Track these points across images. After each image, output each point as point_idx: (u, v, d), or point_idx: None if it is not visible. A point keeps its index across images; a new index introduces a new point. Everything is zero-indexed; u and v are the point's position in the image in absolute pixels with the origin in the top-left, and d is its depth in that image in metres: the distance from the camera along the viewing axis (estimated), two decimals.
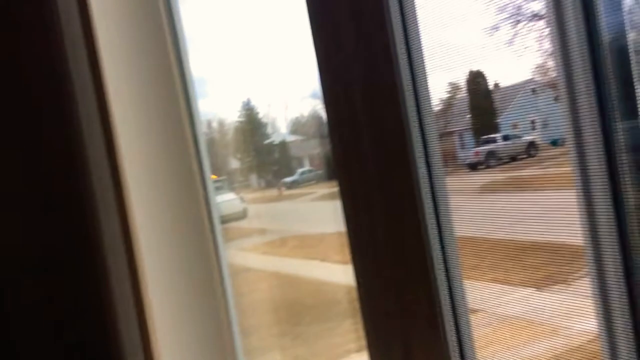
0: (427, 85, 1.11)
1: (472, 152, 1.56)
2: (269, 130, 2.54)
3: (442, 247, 1.02)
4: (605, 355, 0.82)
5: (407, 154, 1.01)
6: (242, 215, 2.74)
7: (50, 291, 0.85)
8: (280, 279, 2.48)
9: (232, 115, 2.57)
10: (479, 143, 1.51)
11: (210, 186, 1.59)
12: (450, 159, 1.86)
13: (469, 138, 1.62)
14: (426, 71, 1.11)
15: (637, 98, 0.74)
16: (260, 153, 2.62)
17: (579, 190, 0.85)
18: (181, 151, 1.08)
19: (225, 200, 2.65)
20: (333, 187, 2.75)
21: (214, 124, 2.59)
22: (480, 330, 1.13)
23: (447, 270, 1.00)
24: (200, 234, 1.12)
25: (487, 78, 1.35)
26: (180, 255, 1.09)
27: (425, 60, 1.13)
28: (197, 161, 1.23)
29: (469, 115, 1.58)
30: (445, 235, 1.05)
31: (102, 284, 0.88)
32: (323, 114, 2.44)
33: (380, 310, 0.99)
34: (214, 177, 2.77)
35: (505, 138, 1.35)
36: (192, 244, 1.08)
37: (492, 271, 1.20)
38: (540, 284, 1.00)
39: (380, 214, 1.04)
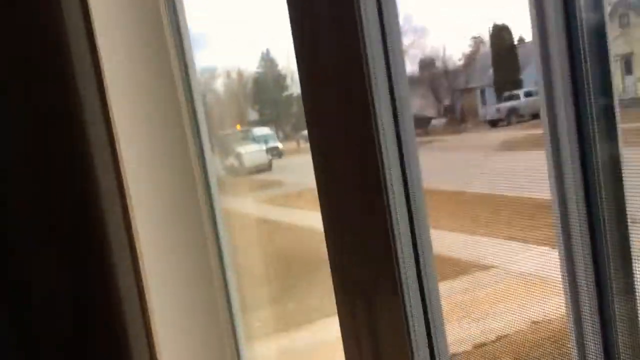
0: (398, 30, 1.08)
1: (493, 108, 1.54)
2: (288, 82, 2.52)
3: (408, 201, 1.02)
4: (568, 302, 0.86)
5: (368, 104, 0.98)
6: (268, 167, 2.69)
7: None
8: (294, 231, 2.51)
9: (251, 66, 2.55)
10: (501, 100, 1.49)
11: (205, 142, 1.57)
12: (471, 115, 1.85)
13: (490, 94, 1.60)
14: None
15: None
16: (278, 105, 2.61)
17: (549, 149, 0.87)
18: (174, 108, 1.07)
19: (250, 152, 2.63)
20: None
21: (233, 75, 2.58)
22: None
23: (411, 221, 1.01)
24: (192, 188, 1.13)
25: (511, 32, 1.32)
26: (171, 210, 1.11)
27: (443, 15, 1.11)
28: (190, 115, 1.23)
29: (491, 71, 1.55)
30: (412, 188, 1.04)
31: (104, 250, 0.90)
32: None
33: (346, 261, 1.00)
34: (238, 127, 2.75)
35: (528, 95, 1.33)
36: (183, 197, 1.10)
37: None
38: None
39: (345, 165, 1.04)
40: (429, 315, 1.00)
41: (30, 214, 0.87)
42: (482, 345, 1.24)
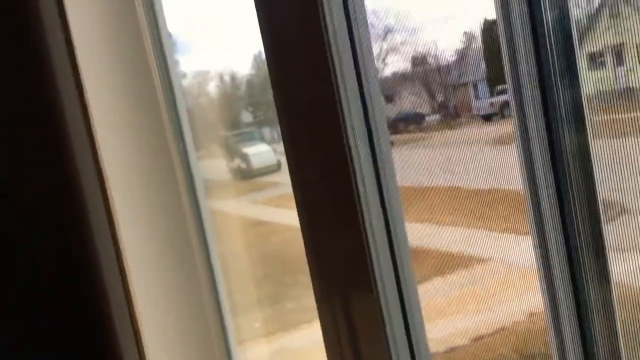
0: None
1: (486, 102, 1.54)
2: None
3: (382, 197, 1.02)
4: (541, 285, 0.87)
5: (335, 101, 0.98)
6: (276, 168, 2.53)
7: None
8: (289, 231, 2.51)
9: (244, 69, 2.56)
10: (493, 94, 1.48)
11: (189, 143, 1.55)
12: (465, 110, 1.85)
13: (483, 89, 1.60)
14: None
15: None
16: (271, 107, 2.62)
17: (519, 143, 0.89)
18: (155, 111, 1.07)
19: (257, 152, 2.54)
20: None
21: (226, 77, 2.58)
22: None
23: (385, 217, 1.01)
24: (175, 192, 1.13)
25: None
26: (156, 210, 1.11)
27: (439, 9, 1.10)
28: (172, 119, 1.22)
29: (483, 65, 1.55)
30: (384, 184, 1.04)
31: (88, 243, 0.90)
32: None
33: (321, 259, 1.00)
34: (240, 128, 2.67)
35: None
36: (167, 201, 1.10)
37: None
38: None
39: (315, 163, 1.04)
40: (407, 312, 1.00)
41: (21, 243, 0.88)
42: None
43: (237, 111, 2.65)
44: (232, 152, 2.55)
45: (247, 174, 2.64)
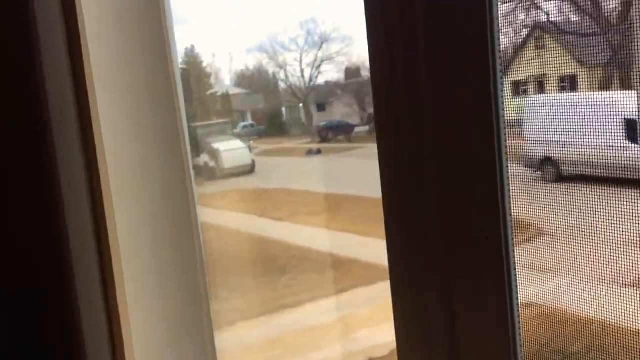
0: None
1: None
2: (212, 80, 2.46)
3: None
4: None
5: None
6: (250, 169, 2.20)
7: None
8: (214, 231, 2.46)
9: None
10: None
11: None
12: None
13: None
14: None
15: None
16: (202, 103, 2.54)
17: None
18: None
19: (229, 149, 2.20)
20: (275, 144, 2.73)
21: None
22: None
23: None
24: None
25: None
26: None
27: None
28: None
29: None
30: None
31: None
32: (269, 69, 2.40)
33: None
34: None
35: None
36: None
37: None
38: None
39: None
40: None
41: None
42: None
43: (203, 100, 2.42)
44: (198, 146, 2.17)
45: (214, 174, 2.28)
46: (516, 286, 0.68)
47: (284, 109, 2.37)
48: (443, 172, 0.69)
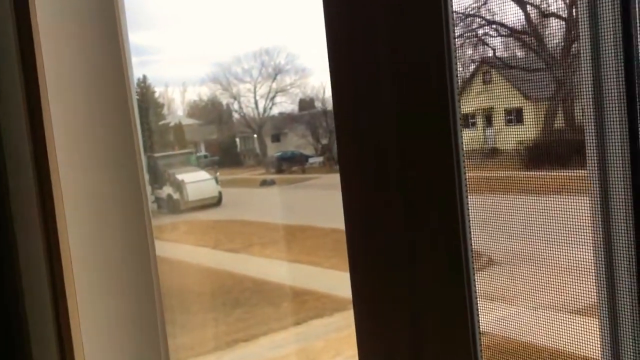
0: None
1: None
2: (165, 111, 2.43)
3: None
4: None
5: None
6: (216, 202, 2.07)
7: None
8: (170, 265, 2.39)
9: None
10: None
11: None
12: None
13: None
14: None
15: None
16: (154, 134, 2.50)
17: None
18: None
19: (195, 181, 2.08)
20: (229, 175, 2.71)
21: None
22: None
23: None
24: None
25: None
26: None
27: None
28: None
29: None
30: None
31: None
32: (222, 99, 2.40)
33: None
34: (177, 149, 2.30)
35: None
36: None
37: None
38: None
39: None
40: None
41: None
42: None
43: (164, 130, 2.33)
44: (159, 178, 2.06)
45: (177, 207, 2.14)
46: (477, 315, 0.69)
47: (237, 140, 2.37)
48: (408, 205, 0.70)
